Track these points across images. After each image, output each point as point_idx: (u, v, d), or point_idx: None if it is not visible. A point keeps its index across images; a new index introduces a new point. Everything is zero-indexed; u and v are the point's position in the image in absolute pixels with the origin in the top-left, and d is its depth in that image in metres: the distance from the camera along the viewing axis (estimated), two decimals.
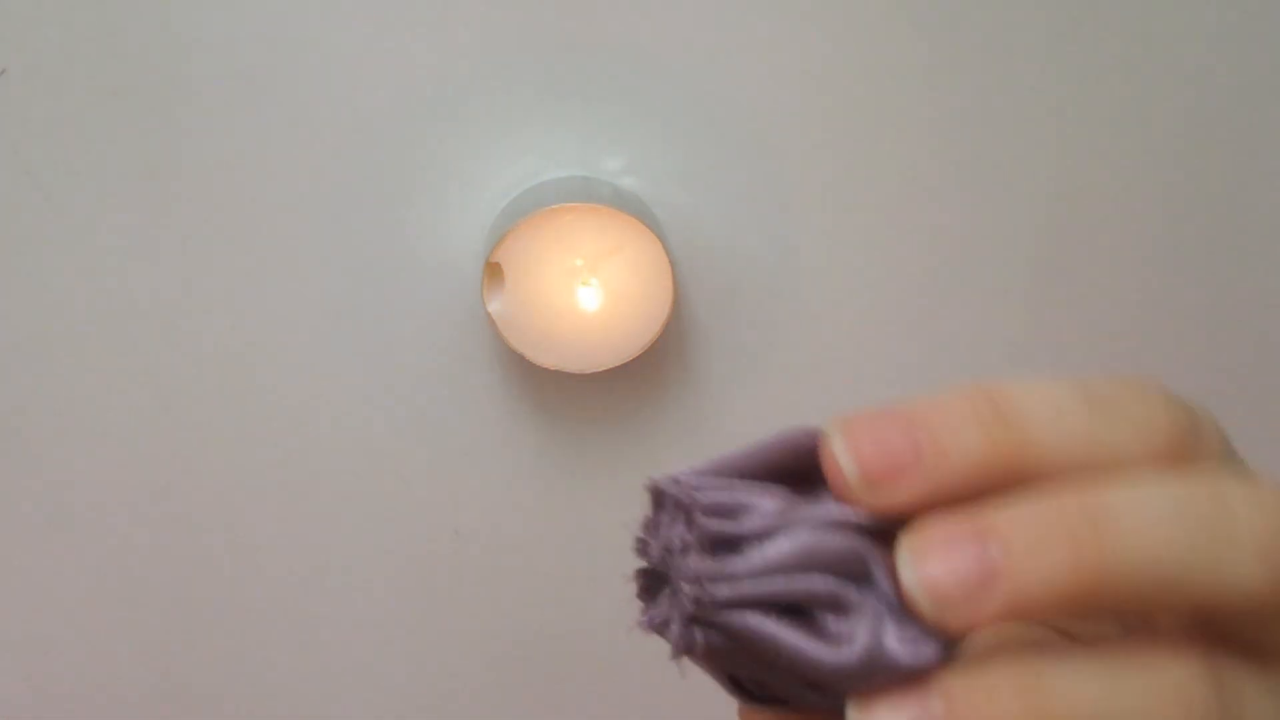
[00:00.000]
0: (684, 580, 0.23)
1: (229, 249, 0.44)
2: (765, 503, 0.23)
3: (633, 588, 0.24)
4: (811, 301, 0.45)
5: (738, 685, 0.25)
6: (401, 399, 0.46)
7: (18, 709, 0.50)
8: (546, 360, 0.42)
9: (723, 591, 0.23)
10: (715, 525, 0.23)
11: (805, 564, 0.23)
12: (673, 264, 0.41)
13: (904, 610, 0.23)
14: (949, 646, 0.23)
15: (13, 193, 0.43)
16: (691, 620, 0.23)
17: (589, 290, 0.42)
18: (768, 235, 0.44)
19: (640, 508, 0.41)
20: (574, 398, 0.46)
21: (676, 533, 0.23)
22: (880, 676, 0.23)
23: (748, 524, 0.23)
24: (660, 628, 0.23)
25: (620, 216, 0.41)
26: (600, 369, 0.43)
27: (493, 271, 0.41)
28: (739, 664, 0.24)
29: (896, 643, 0.23)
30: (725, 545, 0.23)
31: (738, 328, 0.45)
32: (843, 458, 0.24)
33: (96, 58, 0.41)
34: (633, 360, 0.43)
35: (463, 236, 0.44)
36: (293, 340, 0.45)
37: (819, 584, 0.23)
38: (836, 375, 0.46)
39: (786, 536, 0.23)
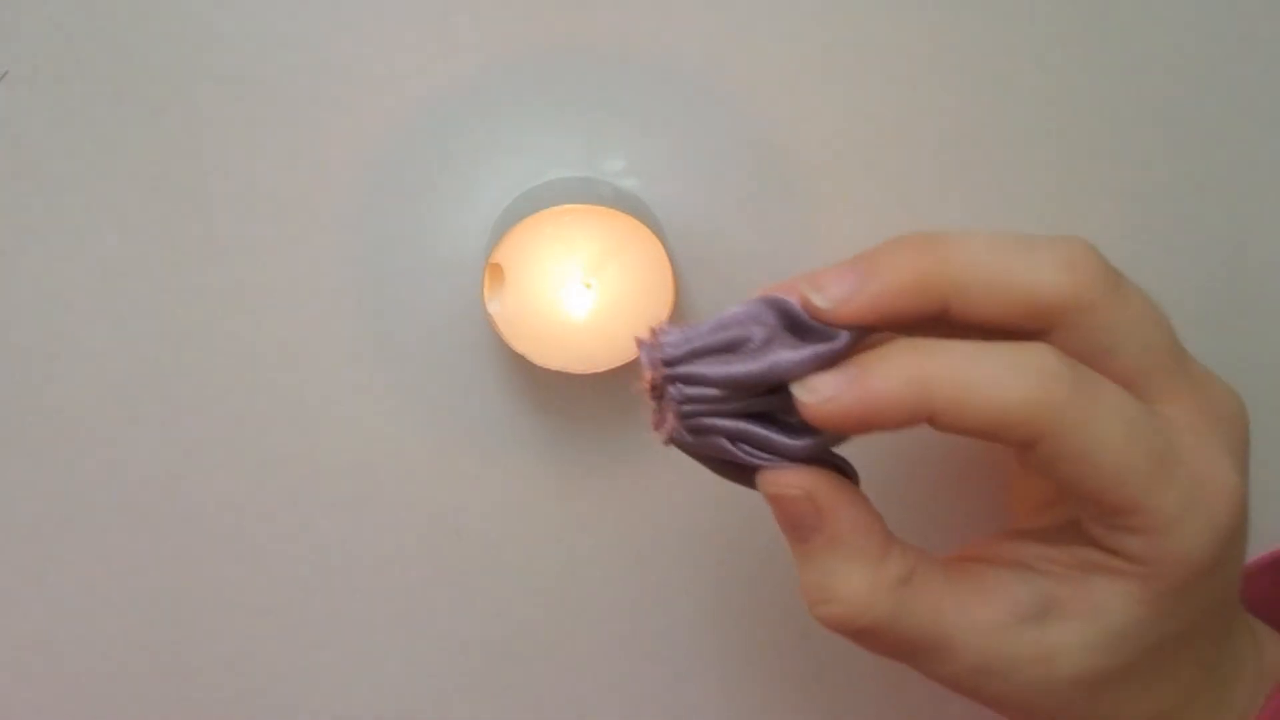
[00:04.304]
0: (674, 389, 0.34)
1: (229, 250, 0.44)
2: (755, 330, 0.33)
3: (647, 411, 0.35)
4: None
5: (714, 464, 0.35)
6: (402, 399, 0.46)
7: (19, 709, 0.50)
8: (547, 361, 0.42)
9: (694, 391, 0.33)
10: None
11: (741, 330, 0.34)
12: (674, 265, 0.41)
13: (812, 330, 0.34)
14: (853, 340, 0.33)
15: (16, 193, 0.43)
16: (679, 417, 0.34)
17: (590, 291, 0.42)
18: (769, 237, 0.44)
19: (637, 506, 0.44)
20: (575, 398, 0.46)
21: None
22: (816, 363, 0.33)
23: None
24: (659, 425, 0.34)
25: (621, 218, 0.41)
26: (601, 369, 0.43)
27: (494, 272, 0.41)
28: (713, 449, 0.34)
29: (812, 345, 0.33)
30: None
31: None
32: (801, 285, 0.34)
33: (99, 59, 0.42)
34: (633, 361, 0.43)
35: (463, 237, 0.44)
36: (293, 340, 0.45)
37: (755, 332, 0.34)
38: None
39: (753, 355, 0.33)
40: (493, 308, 0.42)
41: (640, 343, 0.35)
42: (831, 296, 0.33)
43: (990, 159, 0.44)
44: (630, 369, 0.44)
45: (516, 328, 0.42)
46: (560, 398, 0.46)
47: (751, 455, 0.34)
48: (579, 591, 0.49)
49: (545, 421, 0.46)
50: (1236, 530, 0.34)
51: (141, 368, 0.46)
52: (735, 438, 0.34)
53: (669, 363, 0.34)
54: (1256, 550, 0.44)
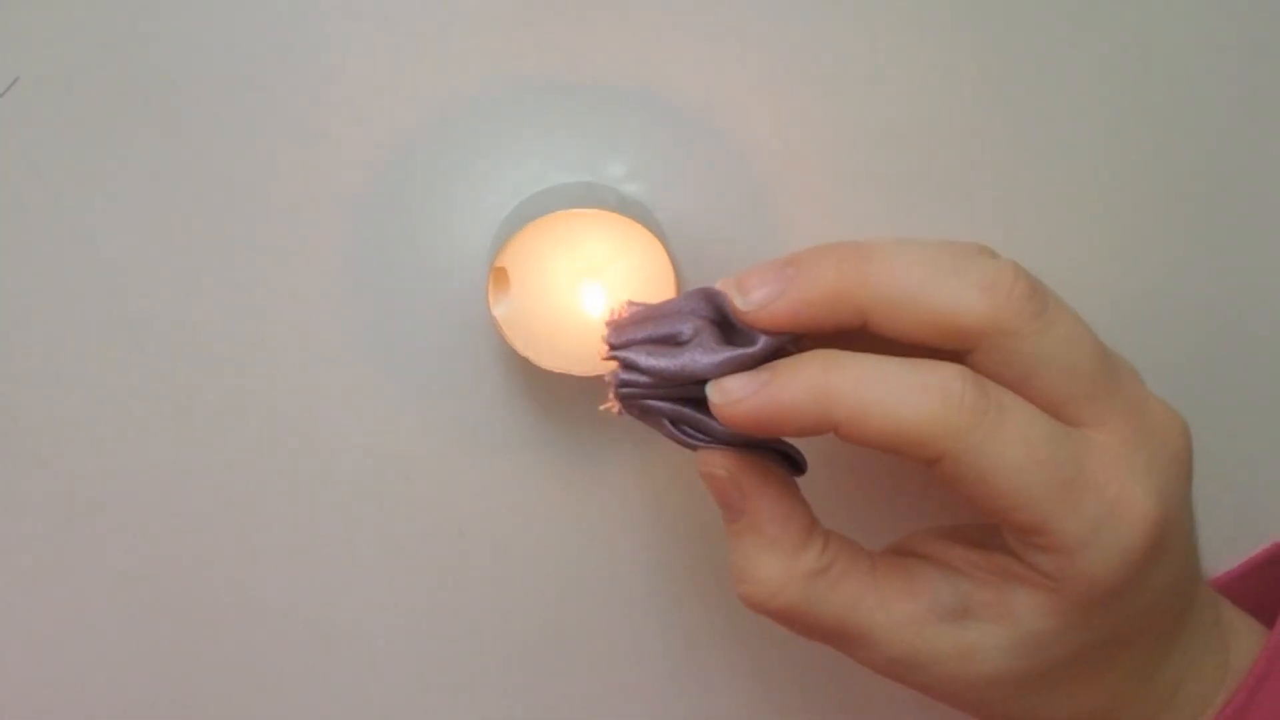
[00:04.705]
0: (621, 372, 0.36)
1: (235, 253, 0.44)
2: (684, 326, 0.36)
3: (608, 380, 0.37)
4: None
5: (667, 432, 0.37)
6: (407, 402, 0.46)
7: (19, 709, 0.50)
8: (551, 364, 0.43)
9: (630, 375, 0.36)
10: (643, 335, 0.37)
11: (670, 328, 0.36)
12: (676, 269, 0.41)
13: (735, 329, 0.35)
14: (771, 345, 0.34)
15: (21, 196, 0.43)
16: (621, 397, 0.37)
17: (593, 295, 0.42)
18: (770, 242, 0.44)
19: (641, 508, 0.44)
20: (578, 400, 0.46)
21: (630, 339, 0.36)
22: (730, 365, 0.34)
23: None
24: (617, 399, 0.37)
25: (624, 222, 0.41)
26: (604, 372, 0.43)
27: (498, 276, 0.42)
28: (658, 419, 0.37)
29: (732, 345, 0.35)
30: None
31: None
32: (730, 286, 0.35)
33: (106, 67, 0.41)
34: None
35: (468, 242, 0.44)
36: (298, 343, 0.45)
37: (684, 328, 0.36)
38: None
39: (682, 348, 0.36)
40: (497, 311, 0.42)
41: (609, 318, 0.38)
42: (752, 300, 0.34)
43: (988, 166, 0.44)
44: None
45: (521, 331, 0.42)
46: (564, 400, 0.46)
47: (690, 436, 0.36)
48: (583, 592, 0.49)
49: (549, 424, 0.47)
50: (1151, 553, 0.34)
51: (144, 370, 0.46)
52: (675, 419, 0.36)
53: (611, 346, 0.37)
54: (1252, 550, 0.45)
